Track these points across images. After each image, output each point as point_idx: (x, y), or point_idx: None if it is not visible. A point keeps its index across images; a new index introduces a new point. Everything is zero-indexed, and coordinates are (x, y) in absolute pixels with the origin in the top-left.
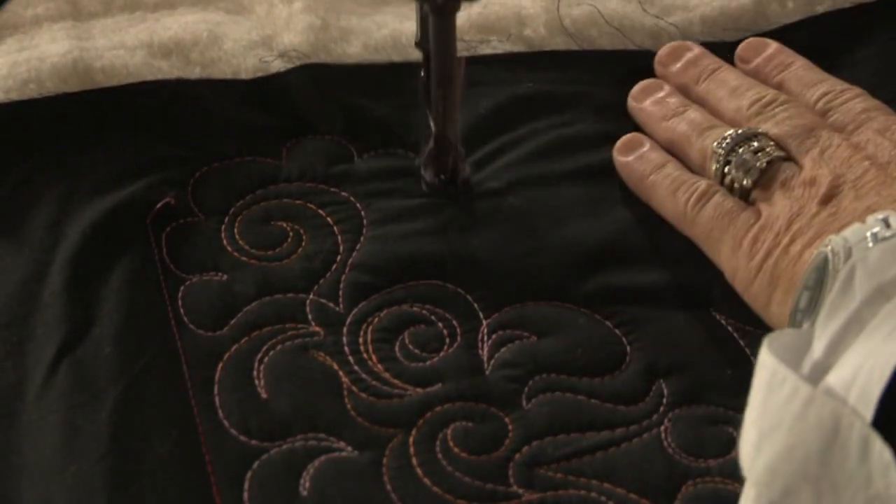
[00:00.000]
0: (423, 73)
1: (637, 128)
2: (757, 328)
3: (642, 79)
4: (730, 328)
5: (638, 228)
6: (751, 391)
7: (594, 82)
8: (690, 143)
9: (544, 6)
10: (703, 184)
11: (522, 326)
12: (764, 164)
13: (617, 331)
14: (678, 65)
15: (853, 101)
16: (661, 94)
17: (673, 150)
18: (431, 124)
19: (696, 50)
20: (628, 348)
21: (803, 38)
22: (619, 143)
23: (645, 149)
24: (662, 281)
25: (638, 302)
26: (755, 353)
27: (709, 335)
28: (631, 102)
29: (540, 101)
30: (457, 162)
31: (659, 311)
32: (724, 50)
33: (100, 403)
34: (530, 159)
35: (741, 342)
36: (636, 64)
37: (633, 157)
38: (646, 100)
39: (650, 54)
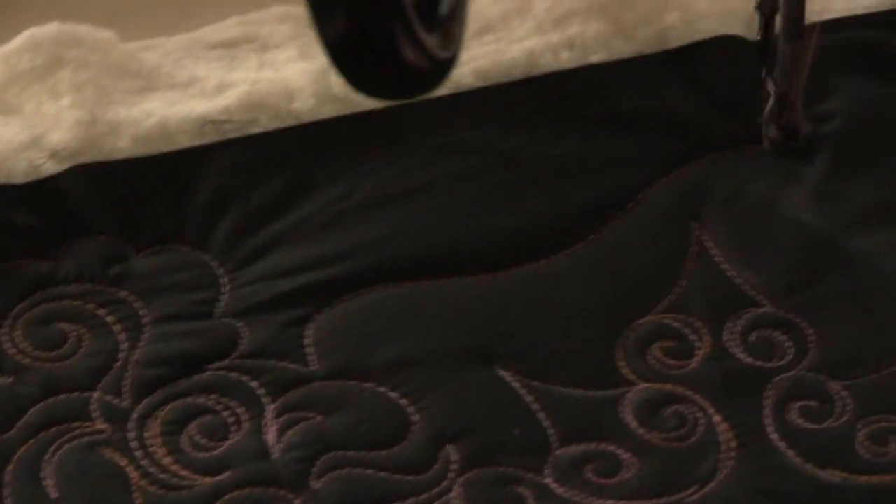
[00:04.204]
0: (759, 37)
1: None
2: (544, 382)
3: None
4: (515, 385)
5: (419, 290)
6: None
7: (363, 142)
8: None
9: (312, 78)
10: None
11: (309, 407)
12: None
13: (401, 401)
14: None
15: None
16: None
17: None
18: (770, 85)
19: None
20: (414, 417)
21: (580, 84)
22: None
23: None
24: (448, 343)
25: (424, 368)
26: (543, 408)
27: (495, 395)
28: None
29: (310, 176)
30: (798, 119)
31: (445, 374)
32: (498, 93)
33: None
34: (311, 241)
35: (527, 399)
36: (402, 120)
37: None
38: None
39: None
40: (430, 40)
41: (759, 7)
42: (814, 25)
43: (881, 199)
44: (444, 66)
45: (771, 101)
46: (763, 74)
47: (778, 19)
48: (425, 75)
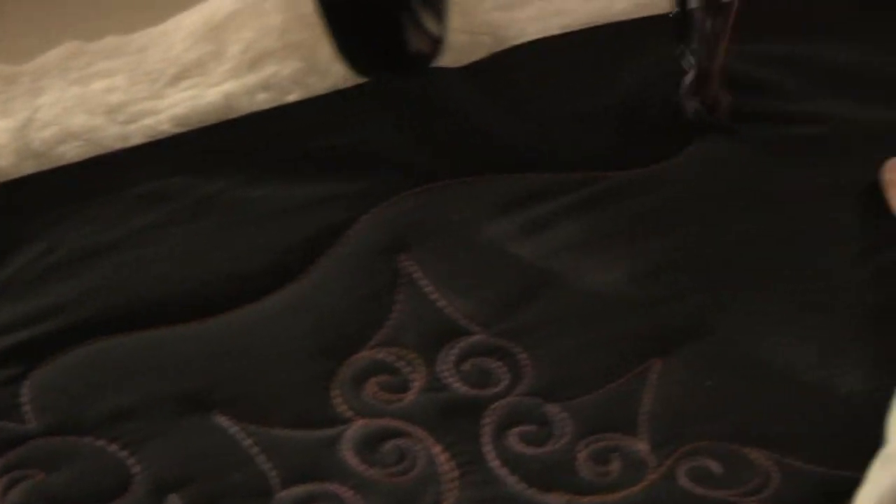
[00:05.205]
0: (676, 10)
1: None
2: (262, 425)
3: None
4: (233, 430)
5: (132, 342)
6: None
7: (65, 196)
8: None
9: (12, 135)
10: None
11: (29, 465)
12: None
13: (120, 453)
14: None
15: None
16: None
17: None
18: (690, 57)
19: None
20: (134, 468)
21: (279, 124)
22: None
23: None
24: (165, 392)
25: (141, 419)
26: (262, 451)
27: (214, 441)
28: None
29: (15, 234)
30: (719, 92)
31: (163, 423)
32: (197, 138)
33: None
34: (20, 298)
35: (245, 443)
36: (103, 171)
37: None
38: None
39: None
40: (432, 26)
41: None
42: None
43: (584, 224)
44: (440, 43)
45: (690, 76)
46: (680, 50)
47: None
48: (426, 55)
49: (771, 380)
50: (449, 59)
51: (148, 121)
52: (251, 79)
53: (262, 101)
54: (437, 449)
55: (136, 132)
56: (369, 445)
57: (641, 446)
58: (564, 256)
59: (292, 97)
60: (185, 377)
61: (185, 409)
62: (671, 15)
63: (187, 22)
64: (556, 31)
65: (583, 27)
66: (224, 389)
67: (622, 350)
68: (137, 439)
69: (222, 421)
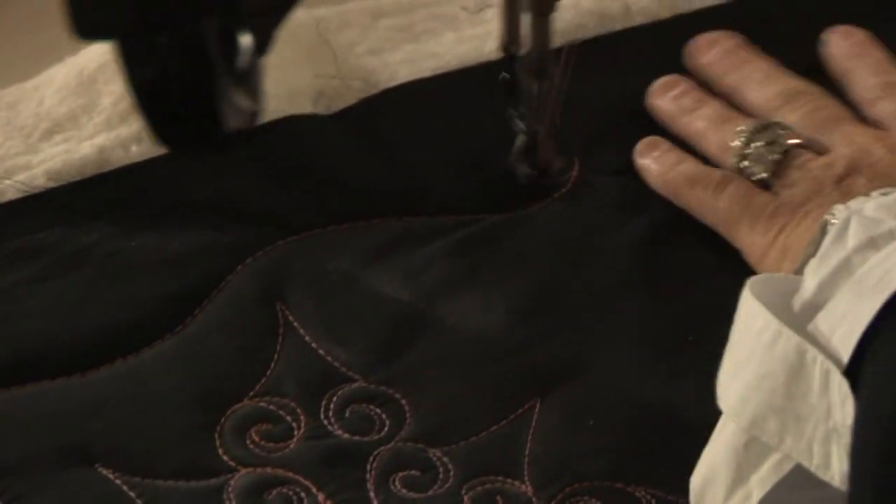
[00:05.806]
0: (504, 74)
1: None
2: (145, 477)
3: None
4: (117, 482)
5: (11, 397)
6: (732, 327)
7: None
8: (707, 139)
9: None
10: (719, 173)
11: None
12: (779, 156)
13: None
14: (710, 55)
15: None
16: (677, 92)
17: (691, 147)
18: (518, 121)
19: (733, 41)
20: None
21: (152, 176)
22: (640, 144)
23: (661, 150)
24: (47, 446)
25: (24, 474)
26: (147, 503)
27: (98, 494)
28: (650, 100)
29: None
30: (549, 154)
31: (47, 478)
32: (70, 192)
33: None
34: None
35: (130, 494)
36: None
37: (650, 160)
38: (663, 97)
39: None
40: (244, 101)
41: (504, 47)
42: (559, 59)
43: (460, 268)
44: (256, 116)
45: (520, 140)
46: (509, 114)
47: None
48: (241, 131)
49: (650, 418)
50: (321, 105)
51: (22, 176)
52: (124, 131)
53: (136, 153)
54: (321, 496)
55: (11, 187)
56: (253, 495)
57: (525, 488)
58: (441, 300)
59: (165, 149)
60: (66, 431)
61: (68, 463)
62: (499, 79)
63: (59, 75)
64: (427, 74)
65: (454, 69)
66: (106, 442)
67: (502, 392)
68: (21, 494)
69: (106, 473)
